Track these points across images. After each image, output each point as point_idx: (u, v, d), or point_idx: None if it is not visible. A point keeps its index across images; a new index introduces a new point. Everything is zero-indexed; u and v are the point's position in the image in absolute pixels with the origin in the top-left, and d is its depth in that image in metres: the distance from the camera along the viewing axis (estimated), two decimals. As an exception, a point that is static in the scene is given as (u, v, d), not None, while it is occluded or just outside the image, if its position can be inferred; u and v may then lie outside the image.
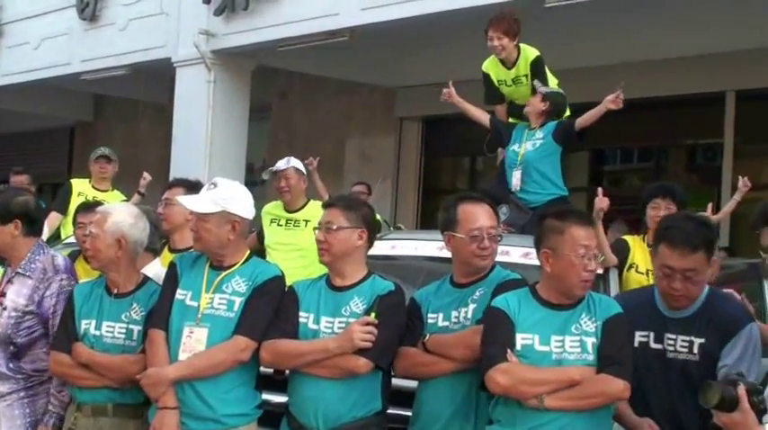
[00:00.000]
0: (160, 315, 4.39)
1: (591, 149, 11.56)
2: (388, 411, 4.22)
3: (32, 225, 5.02)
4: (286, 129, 13.99)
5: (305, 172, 6.98)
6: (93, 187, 8.50)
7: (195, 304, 4.35)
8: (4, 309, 4.87)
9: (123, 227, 4.58)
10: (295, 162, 6.88)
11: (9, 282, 4.93)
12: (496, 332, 3.91)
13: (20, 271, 4.89)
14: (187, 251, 4.80)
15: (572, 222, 3.91)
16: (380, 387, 4.16)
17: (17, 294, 4.86)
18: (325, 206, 4.43)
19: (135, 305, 4.55)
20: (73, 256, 5.59)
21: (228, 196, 4.38)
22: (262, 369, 4.38)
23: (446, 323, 4.15)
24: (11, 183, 9.74)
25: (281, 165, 6.84)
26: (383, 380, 4.18)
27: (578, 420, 3.79)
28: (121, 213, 4.67)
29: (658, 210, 5.69)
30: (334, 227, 4.23)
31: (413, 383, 4.26)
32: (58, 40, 13.28)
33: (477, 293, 4.14)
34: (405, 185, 13.37)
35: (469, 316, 4.09)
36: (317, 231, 4.29)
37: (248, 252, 4.52)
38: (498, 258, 4.39)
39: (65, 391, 4.73)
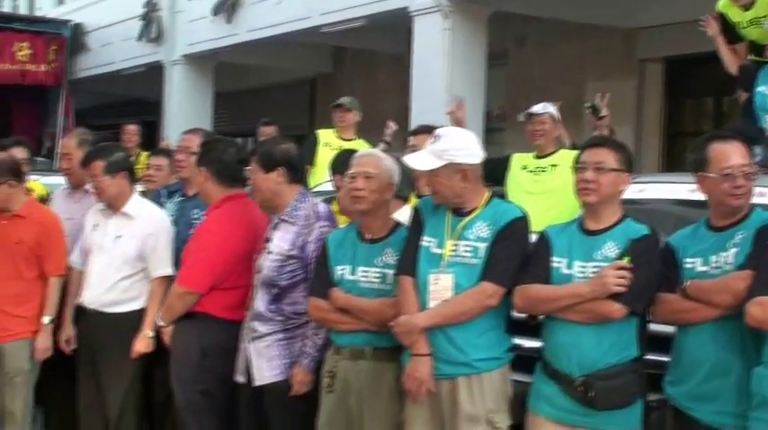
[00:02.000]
0: (408, 261, 4.46)
1: None
2: (645, 357, 4.14)
3: (295, 172, 5.17)
4: (523, 75, 13.88)
5: (559, 119, 6.91)
6: (338, 137, 8.70)
7: (440, 251, 4.39)
8: (270, 253, 5.09)
9: (393, 172, 4.70)
10: (551, 108, 6.82)
11: (274, 228, 5.14)
12: (762, 267, 3.79)
13: (284, 217, 5.06)
14: None
15: None
16: (636, 333, 4.09)
17: (281, 239, 5.04)
18: (592, 145, 4.31)
19: (388, 250, 4.63)
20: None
21: (451, 147, 4.38)
22: (515, 313, 4.41)
23: (705, 268, 4.03)
24: (259, 134, 10.03)
25: (537, 109, 6.80)
26: (639, 326, 4.10)
27: None
28: (389, 159, 4.77)
29: None
30: (607, 167, 4.16)
31: (670, 328, 4.17)
32: (298, -5, 13.62)
33: (738, 237, 3.98)
34: (647, 129, 13.03)
35: (731, 260, 3.95)
36: (585, 172, 4.17)
37: (487, 193, 4.51)
38: (755, 200, 4.24)
39: (321, 334, 4.89)
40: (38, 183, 7.33)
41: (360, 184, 4.64)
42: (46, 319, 6.02)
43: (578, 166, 4.22)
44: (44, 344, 6.01)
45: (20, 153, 6.95)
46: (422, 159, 4.48)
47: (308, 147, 8.69)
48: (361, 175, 4.64)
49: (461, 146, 4.41)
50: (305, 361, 4.90)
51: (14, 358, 6.00)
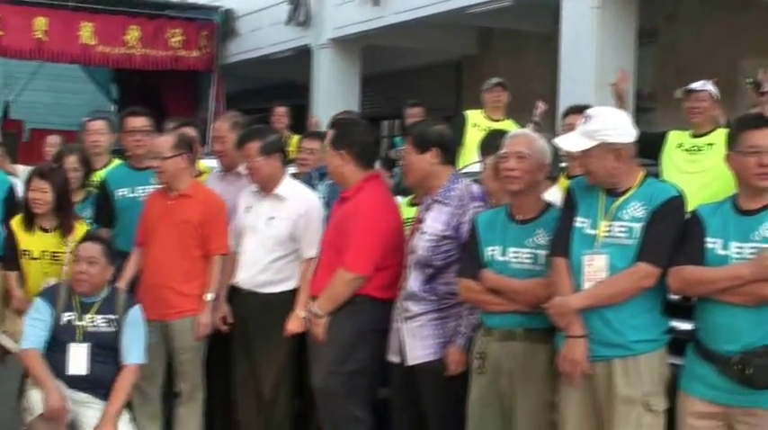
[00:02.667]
0: (561, 242, 4.44)
1: None
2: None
3: (448, 154, 5.23)
4: (674, 53, 13.53)
5: (718, 98, 6.76)
6: (487, 117, 8.69)
7: (593, 232, 4.36)
8: (423, 233, 5.12)
9: (546, 152, 4.68)
10: (710, 86, 6.69)
11: (427, 209, 5.16)
12: None
13: (438, 198, 5.11)
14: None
15: None
16: (796, 315, 3.99)
17: (435, 220, 5.08)
18: (762, 126, 4.16)
19: (539, 230, 4.62)
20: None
21: (603, 127, 4.35)
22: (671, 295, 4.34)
23: None
24: (407, 116, 10.05)
25: (696, 86, 6.68)
26: (799, 309, 4.00)
27: None
28: (542, 139, 4.76)
29: None
30: None
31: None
32: (443, -24, 13.56)
33: None
34: (805, 108, 12.60)
35: None
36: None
37: (642, 173, 4.45)
38: None
39: (476, 314, 4.90)
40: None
41: (512, 164, 4.62)
42: (208, 296, 6.13)
43: (753, 150, 4.07)
44: (206, 320, 6.13)
45: (190, 133, 7.04)
46: (573, 140, 4.45)
47: (457, 128, 8.69)
48: (514, 155, 4.63)
49: (613, 125, 4.37)
50: (460, 340, 4.93)
51: (183, 335, 6.14)
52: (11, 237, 6.31)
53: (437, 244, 5.04)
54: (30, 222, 6.27)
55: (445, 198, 5.08)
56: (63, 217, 6.29)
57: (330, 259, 5.49)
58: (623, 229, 4.31)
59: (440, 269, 5.05)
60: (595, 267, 4.32)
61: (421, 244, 5.10)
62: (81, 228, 6.35)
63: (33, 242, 6.28)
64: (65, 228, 6.28)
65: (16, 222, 6.32)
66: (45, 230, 6.28)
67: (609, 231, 4.33)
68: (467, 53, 16.59)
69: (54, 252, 6.26)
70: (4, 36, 15.98)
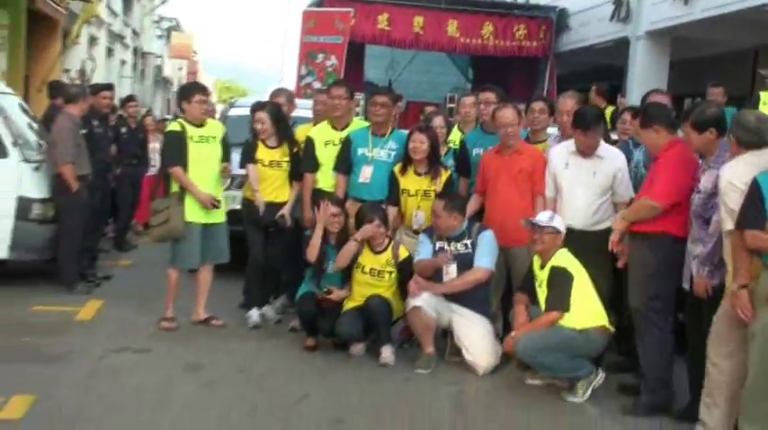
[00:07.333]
0: None
1: None
2: None
3: (723, 131, 5.16)
4: None
5: None
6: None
7: None
8: (698, 192, 5.22)
9: None
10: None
11: (703, 172, 5.25)
12: None
13: (712, 164, 5.14)
14: None
15: None
16: None
17: (707, 181, 5.10)
18: None
19: None
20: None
21: None
22: None
23: None
24: (709, 95, 9.73)
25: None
26: None
27: None
28: None
29: None
30: None
31: None
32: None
33: None
34: None
35: None
36: None
37: None
38: None
39: (706, 248, 5.03)
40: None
41: None
42: None
43: None
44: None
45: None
46: None
47: (752, 106, 8.54)
48: None
49: None
50: (699, 270, 5.11)
51: (522, 259, 6.46)
52: (394, 180, 6.96)
53: (706, 201, 5.12)
54: (405, 168, 6.94)
55: (715, 164, 5.11)
56: (433, 164, 6.93)
57: None
58: None
59: (708, 220, 5.12)
60: None
61: (696, 200, 5.20)
62: (445, 174, 6.95)
63: (410, 183, 6.92)
64: (434, 173, 6.90)
65: (397, 168, 6.98)
66: (419, 174, 6.94)
67: None
68: (763, 42, 15.96)
69: (425, 190, 6.91)
70: (392, 31, 17.09)
